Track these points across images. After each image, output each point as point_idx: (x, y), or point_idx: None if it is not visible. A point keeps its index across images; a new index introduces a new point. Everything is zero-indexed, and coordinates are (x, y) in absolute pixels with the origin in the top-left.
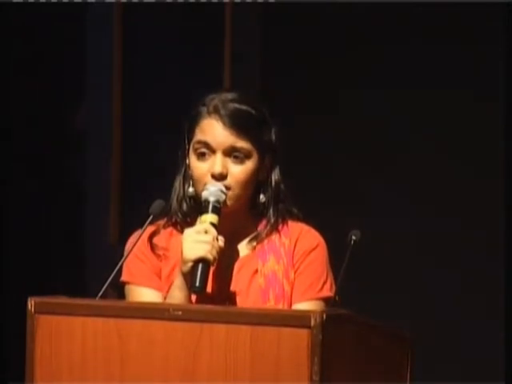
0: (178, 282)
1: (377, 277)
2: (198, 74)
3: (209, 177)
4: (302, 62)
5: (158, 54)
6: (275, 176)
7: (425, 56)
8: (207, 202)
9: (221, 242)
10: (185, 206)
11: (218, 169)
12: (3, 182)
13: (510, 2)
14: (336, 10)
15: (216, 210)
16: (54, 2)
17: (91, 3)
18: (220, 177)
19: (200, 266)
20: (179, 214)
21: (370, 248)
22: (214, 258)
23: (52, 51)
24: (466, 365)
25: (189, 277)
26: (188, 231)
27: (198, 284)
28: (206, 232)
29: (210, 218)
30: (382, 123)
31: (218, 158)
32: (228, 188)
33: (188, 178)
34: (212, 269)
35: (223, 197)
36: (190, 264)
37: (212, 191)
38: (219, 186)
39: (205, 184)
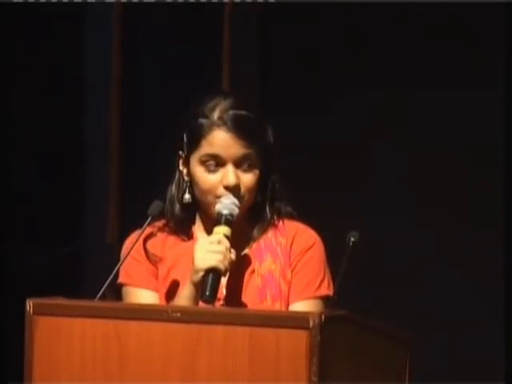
0: (186, 292)
1: (376, 277)
2: (198, 74)
3: (221, 188)
4: (302, 61)
5: (158, 54)
6: (272, 176)
7: (425, 56)
8: (220, 214)
9: (233, 254)
10: (181, 213)
11: (232, 181)
12: (3, 182)
13: (510, 2)
14: (336, 10)
15: (229, 223)
16: (53, 2)
17: (91, 3)
18: (235, 188)
19: (211, 275)
20: (176, 221)
21: (369, 248)
22: (226, 269)
23: (52, 51)
24: (466, 365)
25: (199, 286)
26: (201, 241)
27: (208, 293)
28: (219, 243)
29: (222, 229)
30: (381, 123)
31: (230, 170)
32: (241, 198)
33: (183, 184)
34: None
35: (236, 210)
36: (201, 273)
37: (225, 204)
38: (232, 199)
39: (216, 195)
